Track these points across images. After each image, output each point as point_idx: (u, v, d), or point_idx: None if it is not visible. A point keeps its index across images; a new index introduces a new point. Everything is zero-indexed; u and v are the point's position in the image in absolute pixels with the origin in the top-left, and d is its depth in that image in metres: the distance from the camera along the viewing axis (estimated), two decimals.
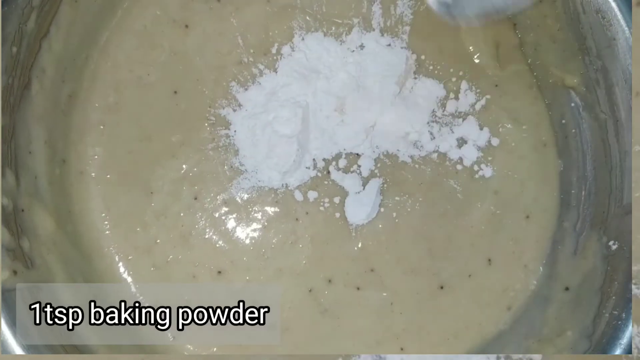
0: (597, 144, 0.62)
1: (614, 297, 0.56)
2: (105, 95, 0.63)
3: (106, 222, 0.62)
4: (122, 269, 0.62)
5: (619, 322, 0.55)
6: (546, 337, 0.60)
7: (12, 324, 0.50)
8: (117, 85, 0.64)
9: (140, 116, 0.63)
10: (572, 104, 0.64)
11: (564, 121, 0.65)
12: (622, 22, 0.57)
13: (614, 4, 0.57)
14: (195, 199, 0.63)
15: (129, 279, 0.62)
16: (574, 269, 0.61)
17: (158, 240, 0.62)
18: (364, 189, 0.62)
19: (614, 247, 0.58)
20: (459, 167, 0.64)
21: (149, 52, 0.64)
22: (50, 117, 0.60)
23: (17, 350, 0.50)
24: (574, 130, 0.65)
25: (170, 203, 0.63)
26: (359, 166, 0.64)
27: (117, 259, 0.62)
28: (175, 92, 0.64)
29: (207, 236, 0.63)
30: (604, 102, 0.60)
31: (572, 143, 0.65)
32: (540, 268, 0.64)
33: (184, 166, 0.63)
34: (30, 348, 0.51)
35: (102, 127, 0.63)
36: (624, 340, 0.54)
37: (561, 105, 0.65)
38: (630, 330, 0.55)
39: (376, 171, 0.64)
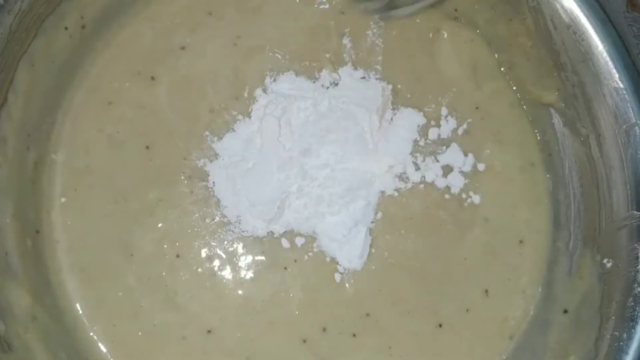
0: (581, 160, 0.61)
1: (613, 318, 0.55)
2: (75, 158, 0.62)
3: (87, 290, 0.60)
4: (107, 338, 0.60)
5: (621, 344, 0.54)
6: None
7: None
8: (86, 146, 0.62)
9: (113, 176, 0.62)
10: (553, 121, 0.63)
11: (546, 138, 0.65)
12: (595, 36, 0.56)
13: (584, 19, 0.57)
14: (178, 256, 0.61)
15: (116, 348, 0.59)
16: (571, 290, 0.60)
17: (142, 304, 0.60)
18: (350, 231, 0.61)
19: (609, 264, 0.57)
20: (446, 196, 0.63)
21: (117, 109, 0.63)
22: (17, 187, 0.58)
23: None
24: (556, 148, 0.64)
25: (152, 263, 0.61)
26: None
27: (101, 327, 0.59)
28: (148, 147, 0.62)
29: (193, 294, 0.61)
30: (584, 117, 0.59)
31: (556, 160, 0.64)
32: (539, 289, 0.63)
33: (163, 224, 0.61)
34: None
35: (74, 191, 0.61)
36: None
37: (542, 123, 0.65)
38: (633, 351, 0.54)
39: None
